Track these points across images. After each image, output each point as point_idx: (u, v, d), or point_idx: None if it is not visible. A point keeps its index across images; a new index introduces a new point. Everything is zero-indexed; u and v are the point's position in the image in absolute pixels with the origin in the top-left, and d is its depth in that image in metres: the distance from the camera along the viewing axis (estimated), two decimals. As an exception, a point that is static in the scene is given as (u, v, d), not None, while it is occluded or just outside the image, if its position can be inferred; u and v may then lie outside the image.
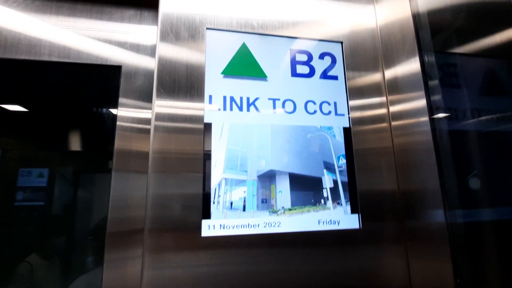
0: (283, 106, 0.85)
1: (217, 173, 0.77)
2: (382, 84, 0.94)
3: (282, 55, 0.89)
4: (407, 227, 0.83)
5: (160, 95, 0.78)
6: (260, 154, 0.80)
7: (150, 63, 1.00)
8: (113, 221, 0.85)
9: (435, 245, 0.73)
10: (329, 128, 0.87)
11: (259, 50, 0.87)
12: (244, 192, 0.77)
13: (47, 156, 1.06)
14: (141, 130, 0.94)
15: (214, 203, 0.75)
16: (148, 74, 0.99)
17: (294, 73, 0.88)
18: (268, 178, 0.80)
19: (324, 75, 0.90)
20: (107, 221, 0.84)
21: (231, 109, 0.81)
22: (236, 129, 0.80)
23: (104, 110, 1.05)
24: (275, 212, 0.77)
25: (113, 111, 0.97)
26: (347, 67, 0.93)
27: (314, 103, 0.87)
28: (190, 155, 0.76)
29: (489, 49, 0.92)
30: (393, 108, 0.91)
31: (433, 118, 0.77)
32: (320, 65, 0.91)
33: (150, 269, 0.68)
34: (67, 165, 1.06)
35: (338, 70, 0.92)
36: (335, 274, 0.77)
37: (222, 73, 0.83)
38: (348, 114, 0.89)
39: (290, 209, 0.78)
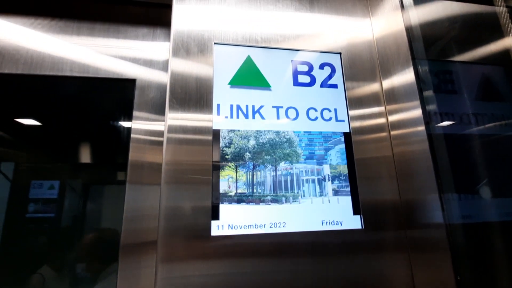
0: (286, 113, 0.91)
1: (225, 177, 0.82)
2: (380, 93, 0.99)
3: (285, 66, 0.95)
4: (409, 235, 0.84)
5: (173, 106, 0.84)
6: (265, 158, 0.85)
7: (162, 77, 1.07)
8: (127, 232, 0.88)
9: (436, 252, 0.75)
10: (330, 137, 0.92)
11: (263, 62, 0.94)
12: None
13: (64, 168, 1.12)
14: (153, 142, 0.99)
15: (223, 202, 0.79)
16: (160, 87, 1.06)
17: (296, 83, 0.94)
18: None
19: (324, 84, 0.96)
20: (120, 233, 0.87)
21: (237, 117, 0.87)
22: (242, 135, 0.86)
23: (119, 123, 1.11)
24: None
25: (128, 124, 1.03)
26: (346, 77, 0.98)
27: (316, 110, 0.93)
28: (200, 164, 0.80)
29: (479, 56, 0.97)
30: (392, 118, 0.94)
31: (429, 127, 0.80)
32: (320, 75, 0.97)
33: (164, 279, 0.71)
34: (83, 177, 1.11)
35: (337, 79, 0.98)
36: (339, 277, 0.79)
37: (229, 83, 0.90)
38: (348, 119, 0.94)
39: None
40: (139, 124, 1.00)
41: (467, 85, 0.96)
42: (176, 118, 0.83)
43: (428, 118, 0.81)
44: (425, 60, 0.89)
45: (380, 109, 0.97)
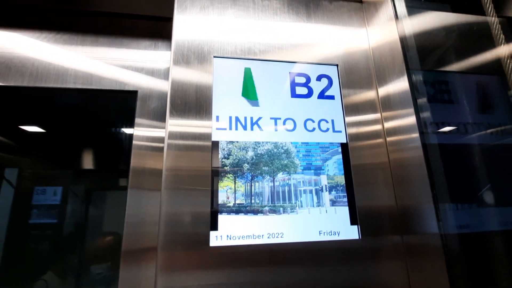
0: (284, 124, 0.92)
1: (224, 188, 0.83)
2: (377, 101, 1.00)
3: (282, 78, 0.97)
4: (406, 241, 0.85)
5: (173, 115, 0.86)
6: (263, 169, 0.87)
7: (163, 86, 1.10)
8: (128, 238, 0.89)
9: (431, 259, 0.76)
10: (327, 148, 0.93)
11: (261, 74, 0.96)
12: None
13: (67, 174, 1.14)
14: (154, 149, 1.02)
15: (221, 213, 0.81)
16: (161, 95, 1.08)
17: (294, 94, 0.96)
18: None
19: (322, 96, 0.98)
20: (122, 238, 0.89)
21: (236, 128, 0.89)
22: (241, 147, 0.88)
23: (122, 130, 1.14)
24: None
25: (130, 130, 1.06)
26: (343, 86, 1.00)
27: (313, 121, 0.94)
28: (200, 171, 0.82)
29: (471, 66, 0.98)
30: (387, 124, 0.96)
31: (423, 134, 0.81)
32: (317, 86, 0.98)
33: (164, 286, 0.72)
34: (85, 183, 1.13)
35: (334, 90, 0.99)
36: (336, 286, 0.79)
37: (232, 95, 0.91)
38: (345, 130, 0.95)
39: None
40: (141, 131, 1.03)
41: (460, 94, 0.97)
42: (176, 125, 0.85)
43: (421, 125, 0.82)
44: (418, 70, 0.90)
45: (376, 116, 0.99)
